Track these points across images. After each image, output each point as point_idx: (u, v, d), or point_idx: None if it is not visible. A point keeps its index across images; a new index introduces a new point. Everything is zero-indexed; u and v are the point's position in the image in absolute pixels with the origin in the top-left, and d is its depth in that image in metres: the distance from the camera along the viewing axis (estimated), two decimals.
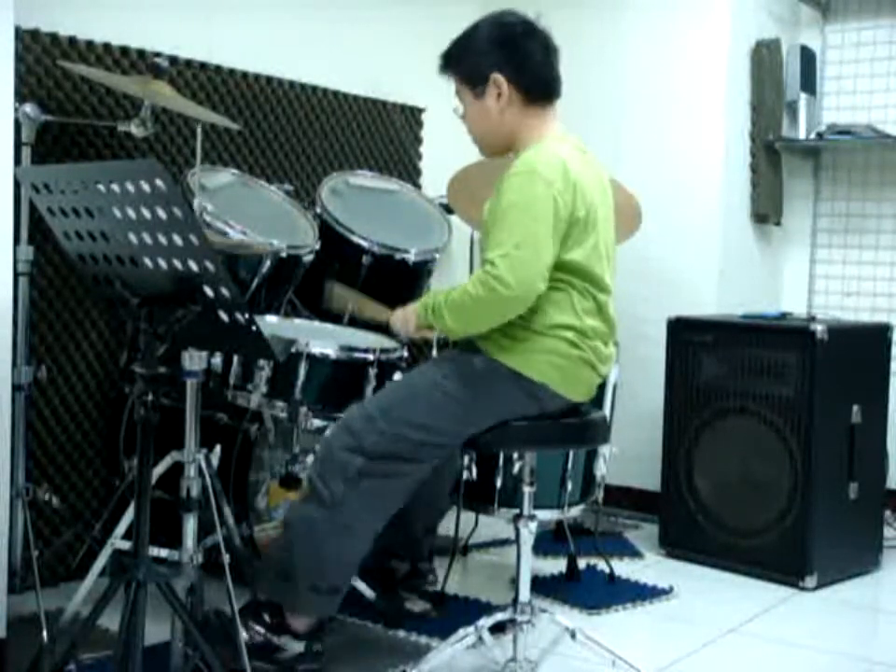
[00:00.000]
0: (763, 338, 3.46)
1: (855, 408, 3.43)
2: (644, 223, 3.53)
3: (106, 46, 3.10)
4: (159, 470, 2.35)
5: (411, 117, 4.13)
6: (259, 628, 2.47)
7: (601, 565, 3.41)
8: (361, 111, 3.92)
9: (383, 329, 3.10)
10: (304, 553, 2.40)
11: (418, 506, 2.72)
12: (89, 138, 3.08)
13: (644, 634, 3.01)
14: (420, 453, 2.42)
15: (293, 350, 2.68)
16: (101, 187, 1.85)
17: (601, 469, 3.22)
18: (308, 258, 3.05)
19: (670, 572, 3.48)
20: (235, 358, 2.73)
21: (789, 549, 3.36)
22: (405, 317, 2.50)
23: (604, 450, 3.18)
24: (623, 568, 3.46)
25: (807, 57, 4.24)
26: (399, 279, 3.25)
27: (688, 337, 3.61)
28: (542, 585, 3.22)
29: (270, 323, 2.93)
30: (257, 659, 2.34)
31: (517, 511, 2.52)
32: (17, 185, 2.45)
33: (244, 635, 2.35)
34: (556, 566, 3.42)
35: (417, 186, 4.06)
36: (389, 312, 2.59)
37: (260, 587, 2.49)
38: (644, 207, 3.49)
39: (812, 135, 4.20)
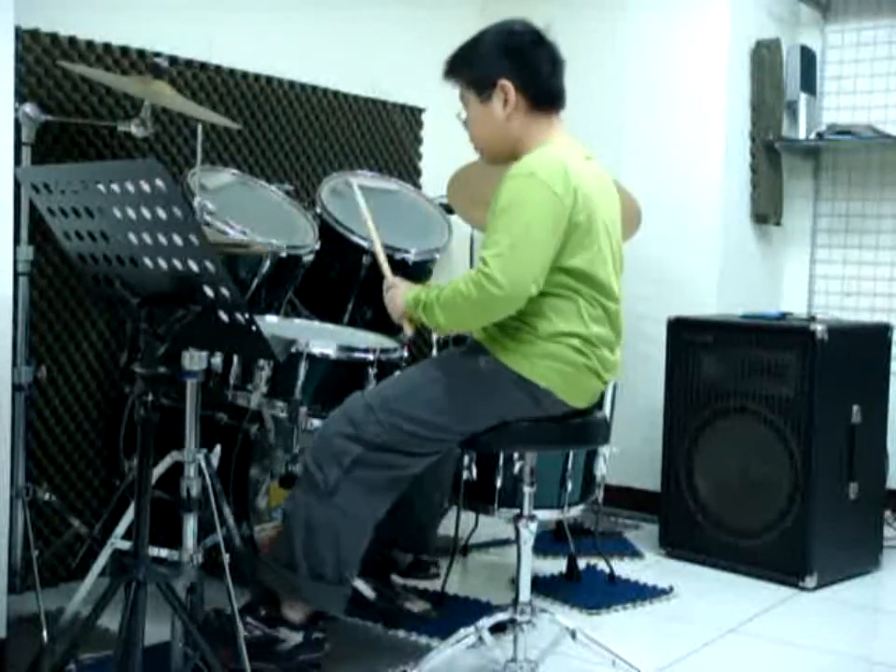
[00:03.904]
0: (762, 338, 3.46)
1: (855, 408, 3.43)
2: (644, 223, 3.53)
3: (106, 46, 3.10)
4: (159, 470, 2.35)
5: (411, 117, 4.13)
6: (256, 622, 2.47)
7: (601, 565, 3.42)
8: (361, 111, 3.92)
9: (382, 327, 3.12)
10: (302, 540, 2.40)
11: (422, 495, 2.73)
12: (89, 138, 3.08)
13: (644, 634, 3.01)
14: (416, 446, 2.41)
15: (293, 350, 2.69)
16: (101, 187, 1.85)
17: (601, 469, 3.21)
18: (308, 258, 3.05)
19: (670, 572, 3.48)
20: (235, 358, 2.73)
21: (789, 549, 3.36)
22: (394, 303, 2.47)
23: (604, 450, 3.17)
24: (623, 568, 3.46)
25: (807, 57, 4.24)
26: None
27: (688, 337, 3.61)
28: (542, 585, 3.23)
29: (270, 323, 2.93)
30: (257, 654, 2.33)
31: (517, 510, 2.52)
32: (17, 185, 2.45)
33: (242, 631, 2.35)
34: (556, 566, 3.42)
35: (417, 186, 4.06)
36: (391, 278, 2.55)
37: (265, 578, 2.48)
38: (644, 207, 3.49)
39: (812, 135, 4.20)
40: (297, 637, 2.47)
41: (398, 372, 2.81)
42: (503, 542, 3.68)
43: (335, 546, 2.40)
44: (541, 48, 2.46)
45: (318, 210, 3.22)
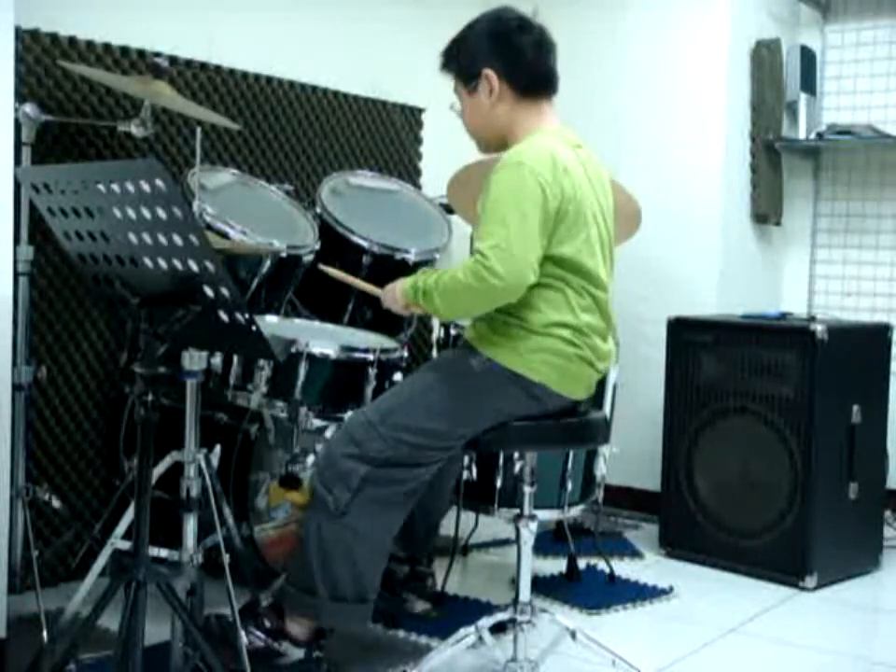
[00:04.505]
0: (763, 338, 3.46)
1: (855, 408, 3.43)
2: (644, 223, 3.53)
3: (106, 46, 3.10)
4: (159, 470, 2.35)
5: (411, 117, 4.13)
6: (259, 633, 2.46)
7: (601, 565, 3.42)
8: (361, 111, 3.92)
9: (382, 327, 3.12)
10: (319, 563, 2.38)
11: (419, 507, 2.72)
12: (89, 138, 3.08)
13: (644, 634, 3.01)
14: (422, 457, 2.40)
15: (293, 350, 2.68)
16: (101, 187, 1.85)
17: (601, 469, 3.22)
18: (308, 258, 3.05)
19: (670, 572, 3.48)
20: (235, 358, 2.73)
21: (789, 549, 3.36)
22: (394, 295, 2.48)
23: (604, 450, 3.18)
24: (623, 568, 3.46)
25: (807, 57, 4.24)
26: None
27: (688, 337, 3.61)
28: (542, 585, 3.23)
29: (270, 323, 2.93)
30: (257, 664, 2.32)
31: (517, 511, 2.52)
32: (17, 185, 2.45)
33: (244, 639, 2.34)
34: (556, 566, 3.42)
35: (417, 186, 4.06)
36: (379, 289, 2.57)
37: (288, 605, 2.47)
38: (644, 207, 3.49)
39: (812, 135, 4.20)
40: (298, 653, 2.46)
41: (397, 375, 2.81)
42: (503, 542, 3.68)
43: (352, 566, 2.39)
44: (526, 32, 2.46)
45: (318, 210, 3.22)
